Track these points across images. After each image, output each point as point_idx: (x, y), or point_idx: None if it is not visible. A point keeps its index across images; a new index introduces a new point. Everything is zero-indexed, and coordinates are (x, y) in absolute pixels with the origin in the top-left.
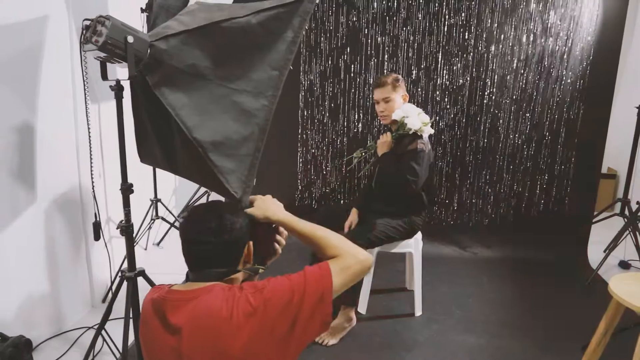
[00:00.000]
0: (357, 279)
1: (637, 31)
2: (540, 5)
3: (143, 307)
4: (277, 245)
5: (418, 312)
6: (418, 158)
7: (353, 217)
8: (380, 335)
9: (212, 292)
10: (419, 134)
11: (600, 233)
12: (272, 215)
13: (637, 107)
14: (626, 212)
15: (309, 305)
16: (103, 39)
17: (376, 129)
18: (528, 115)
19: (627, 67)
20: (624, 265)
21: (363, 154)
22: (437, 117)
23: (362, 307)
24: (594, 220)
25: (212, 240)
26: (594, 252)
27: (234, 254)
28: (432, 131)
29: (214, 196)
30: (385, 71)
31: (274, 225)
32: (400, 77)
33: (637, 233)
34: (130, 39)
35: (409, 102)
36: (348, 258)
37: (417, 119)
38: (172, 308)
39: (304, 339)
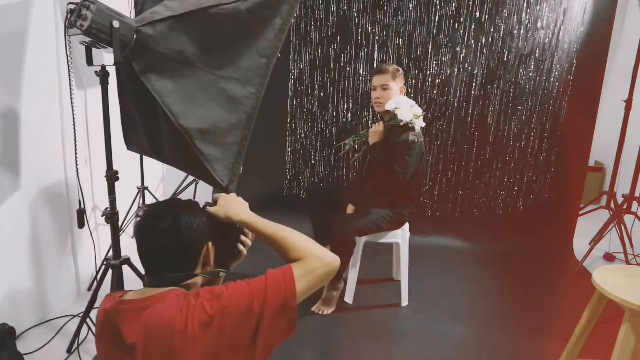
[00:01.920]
0: (322, 282)
1: (626, 24)
2: None
3: (97, 318)
4: (241, 247)
5: (405, 302)
6: (409, 149)
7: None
8: (367, 325)
9: (166, 300)
10: (410, 125)
11: (586, 226)
12: (234, 215)
13: (624, 101)
14: (612, 205)
15: (271, 312)
16: (88, 23)
17: (365, 119)
18: (518, 107)
19: (616, 60)
20: (609, 257)
21: (355, 141)
22: (426, 107)
23: (349, 297)
24: (580, 213)
25: (166, 240)
26: (580, 245)
27: (190, 256)
28: (423, 124)
29: (202, 184)
30: (374, 61)
31: (238, 226)
32: (400, 68)
33: (622, 226)
34: (115, 24)
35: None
36: (313, 260)
37: (408, 111)
38: (125, 320)
39: (268, 347)
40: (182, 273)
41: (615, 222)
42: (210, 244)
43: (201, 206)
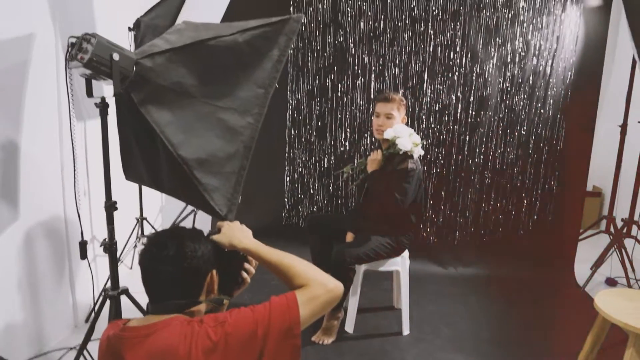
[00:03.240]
0: (326, 309)
1: (618, 50)
2: (524, 26)
3: (99, 346)
4: (245, 275)
5: (406, 331)
6: (408, 177)
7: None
8: (368, 354)
9: (170, 327)
10: (409, 154)
11: (586, 251)
12: (237, 243)
13: (619, 126)
14: (611, 229)
15: (275, 339)
16: (88, 56)
17: (363, 148)
18: (515, 134)
19: (610, 85)
20: (611, 282)
21: (353, 169)
22: (423, 135)
23: (350, 327)
24: (580, 238)
25: (170, 268)
26: (581, 270)
27: (194, 284)
28: (422, 152)
29: (201, 215)
30: (372, 90)
31: (241, 254)
32: (404, 99)
33: (623, 250)
34: (115, 57)
35: None
36: (316, 287)
37: (408, 140)
38: (129, 347)
39: None
40: (186, 300)
41: (615, 246)
42: (214, 271)
43: (205, 234)
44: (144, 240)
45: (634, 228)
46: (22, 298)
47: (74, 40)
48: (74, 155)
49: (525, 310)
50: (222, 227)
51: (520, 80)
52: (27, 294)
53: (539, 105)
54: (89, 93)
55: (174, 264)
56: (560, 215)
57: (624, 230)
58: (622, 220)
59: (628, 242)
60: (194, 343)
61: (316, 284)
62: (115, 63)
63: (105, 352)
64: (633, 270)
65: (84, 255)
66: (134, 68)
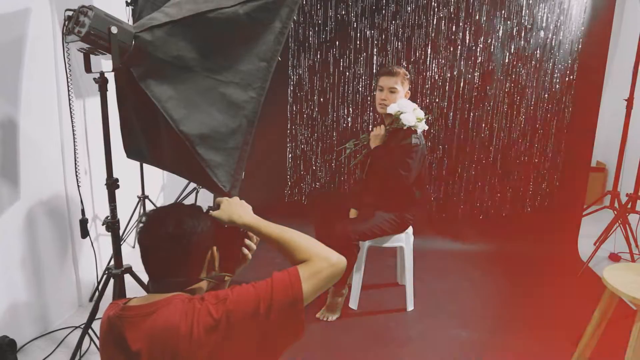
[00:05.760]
0: (330, 283)
1: (624, 23)
2: None
3: (100, 326)
4: (246, 251)
5: (410, 307)
6: (411, 152)
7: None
8: (372, 330)
9: (170, 305)
10: (413, 129)
11: (590, 226)
12: (237, 218)
13: (625, 100)
14: (616, 204)
15: (278, 315)
16: (86, 30)
17: (365, 124)
18: (521, 109)
19: (616, 59)
20: (614, 257)
21: (356, 145)
22: (426, 110)
23: (354, 303)
24: (584, 214)
25: (169, 245)
26: (585, 245)
27: (195, 261)
28: (426, 127)
29: (203, 193)
30: (374, 65)
31: (242, 230)
32: (408, 73)
33: (627, 225)
34: (114, 30)
35: None
36: (319, 262)
37: (412, 115)
38: (130, 326)
39: (276, 351)
40: (186, 278)
41: (620, 221)
42: (214, 248)
43: (204, 210)
44: (143, 218)
45: (639, 203)
46: (25, 278)
47: (70, 13)
48: (73, 133)
49: (529, 286)
50: (221, 203)
51: (525, 54)
52: (30, 274)
53: (546, 79)
54: (88, 68)
55: (173, 241)
56: (564, 190)
57: (629, 206)
58: (627, 195)
59: (632, 218)
60: (196, 321)
61: (318, 258)
62: (113, 36)
63: (107, 332)
64: (637, 245)
65: (84, 233)
66: (133, 42)
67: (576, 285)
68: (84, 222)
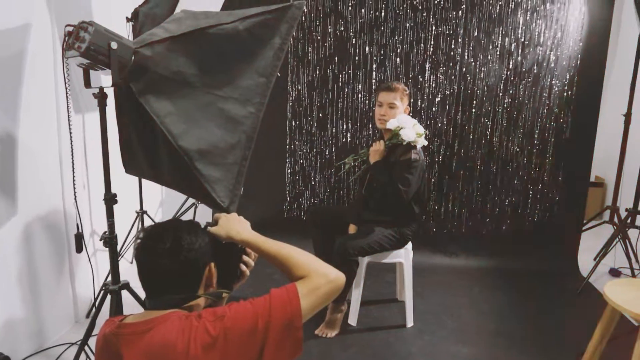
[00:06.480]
0: (328, 300)
1: (621, 39)
2: (528, 14)
3: (96, 344)
4: (244, 267)
5: (410, 323)
6: (411, 168)
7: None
8: (372, 347)
9: (167, 322)
10: (412, 144)
11: (590, 241)
12: (235, 234)
13: (623, 115)
14: (615, 219)
15: (276, 332)
16: (86, 45)
17: (365, 139)
18: (519, 124)
19: (613, 74)
20: (615, 272)
21: (355, 160)
22: (425, 126)
23: (353, 319)
24: (583, 229)
25: (167, 261)
26: (584, 261)
27: (192, 277)
28: (425, 142)
29: (202, 208)
30: (373, 80)
31: (240, 246)
32: (407, 89)
33: (627, 240)
34: (114, 45)
35: None
36: (317, 278)
37: (412, 131)
38: (126, 344)
39: None
40: (184, 295)
41: (619, 236)
42: (212, 264)
43: (202, 226)
44: (140, 234)
45: (638, 218)
46: (21, 293)
47: (70, 28)
48: (72, 148)
49: (529, 302)
50: (219, 219)
51: (524, 70)
52: (27, 289)
53: (544, 95)
54: (87, 83)
55: (170, 257)
56: (563, 206)
57: (628, 221)
58: (626, 210)
59: (632, 233)
60: (193, 338)
61: (317, 275)
62: (113, 52)
63: (103, 349)
64: (637, 260)
65: (79, 248)
66: (133, 57)
67: (577, 301)
68: (79, 237)
